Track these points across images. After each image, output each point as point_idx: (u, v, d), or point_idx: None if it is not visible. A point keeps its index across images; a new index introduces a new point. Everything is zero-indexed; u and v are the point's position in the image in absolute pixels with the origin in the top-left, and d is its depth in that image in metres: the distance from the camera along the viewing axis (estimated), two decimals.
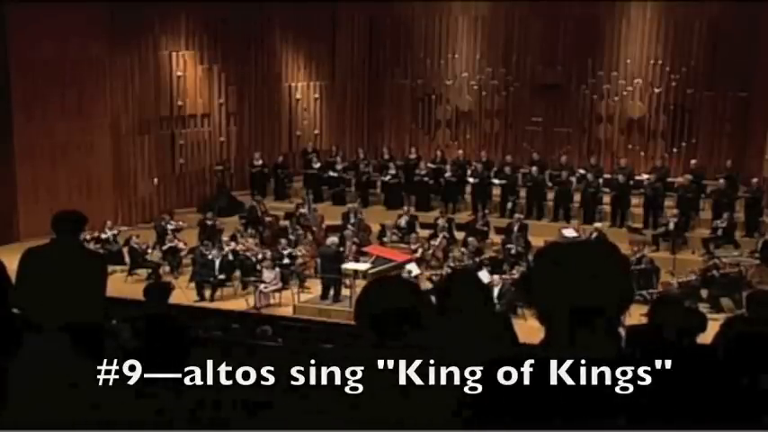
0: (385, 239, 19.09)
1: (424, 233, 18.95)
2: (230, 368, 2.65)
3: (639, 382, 1.97)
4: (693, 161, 21.14)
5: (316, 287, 16.62)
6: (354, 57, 24.68)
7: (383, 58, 24.63)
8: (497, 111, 23.77)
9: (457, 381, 2.27)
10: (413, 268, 16.36)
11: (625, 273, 2.15)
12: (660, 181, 19.96)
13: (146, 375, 2.50)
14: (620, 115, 22.82)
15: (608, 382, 1.96)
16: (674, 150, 22.47)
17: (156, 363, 2.77)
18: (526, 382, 1.99)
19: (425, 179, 21.31)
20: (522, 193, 20.86)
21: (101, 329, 2.47)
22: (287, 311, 15.71)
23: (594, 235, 17.71)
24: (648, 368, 2.01)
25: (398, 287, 2.72)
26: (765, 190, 19.66)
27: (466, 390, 2.11)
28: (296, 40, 23.89)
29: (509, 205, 20.45)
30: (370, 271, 15.71)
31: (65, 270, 2.39)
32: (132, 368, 2.49)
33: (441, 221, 19.05)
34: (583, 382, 1.96)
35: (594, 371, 1.97)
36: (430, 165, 21.74)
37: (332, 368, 2.53)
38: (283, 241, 17.75)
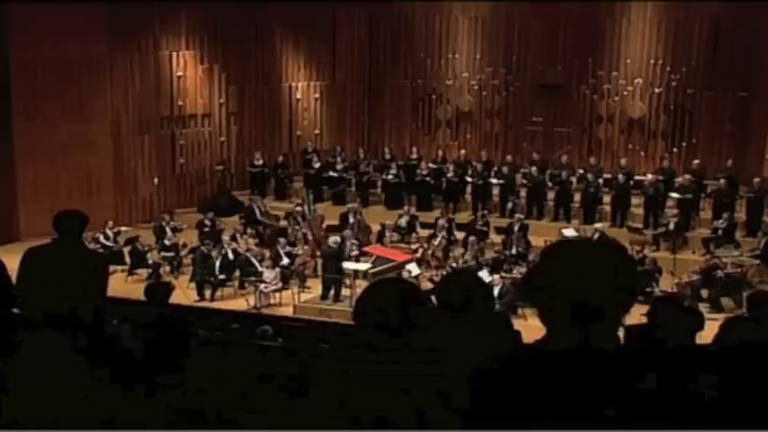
0: (385, 239, 19.09)
1: (425, 233, 18.95)
2: (230, 368, 2.65)
3: (639, 381, 1.97)
4: (696, 161, 21.13)
5: (316, 287, 16.62)
6: (354, 57, 24.68)
7: (383, 58, 24.63)
8: (497, 111, 23.78)
9: (457, 381, 2.27)
10: (413, 268, 16.36)
11: (630, 272, 2.15)
12: (666, 182, 19.97)
13: (146, 375, 2.50)
14: (621, 115, 22.83)
15: (608, 380, 1.96)
16: (675, 150, 22.47)
17: (157, 362, 2.78)
18: (526, 380, 1.99)
19: (426, 179, 21.31)
20: (523, 193, 20.86)
21: (101, 330, 2.47)
22: (287, 311, 15.71)
23: (597, 235, 17.69)
24: (647, 367, 2.01)
25: (398, 288, 2.72)
26: (766, 189, 19.65)
27: (466, 389, 2.11)
28: (296, 40, 23.90)
29: (509, 205, 20.45)
30: (370, 271, 15.70)
31: (66, 270, 2.39)
32: (132, 368, 2.49)
33: (441, 221, 19.05)
34: (582, 380, 1.96)
35: (594, 369, 1.97)
36: (431, 165, 21.75)
37: (331, 368, 2.53)
38: (283, 241, 17.75)
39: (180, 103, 21.82)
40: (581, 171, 20.92)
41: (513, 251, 17.65)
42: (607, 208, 20.21)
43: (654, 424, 1.93)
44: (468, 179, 21.02)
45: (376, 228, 19.54)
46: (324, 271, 16.64)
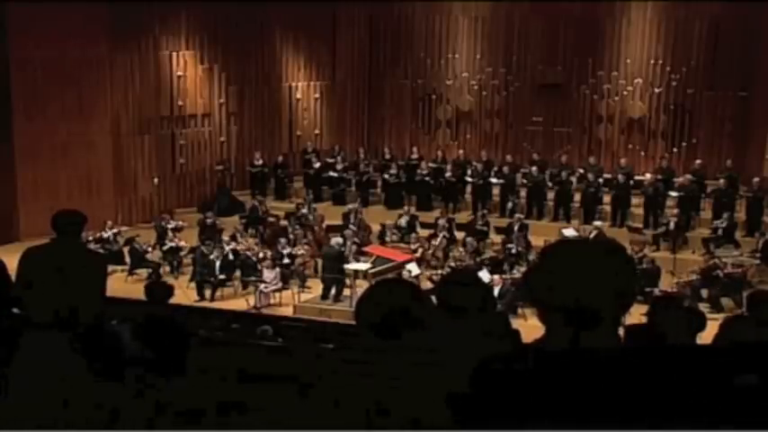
0: (385, 239, 19.09)
1: (425, 233, 18.95)
2: (230, 368, 2.65)
3: (639, 381, 1.96)
4: (698, 161, 21.12)
5: (316, 287, 16.62)
6: (354, 57, 24.68)
7: (383, 58, 24.64)
8: (497, 111, 23.79)
9: (456, 381, 2.27)
10: (413, 268, 16.36)
11: (630, 272, 2.15)
12: (665, 181, 19.97)
13: (146, 375, 2.50)
14: (621, 115, 22.84)
15: (607, 380, 1.96)
16: (675, 150, 22.47)
17: (157, 362, 2.78)
18: (525, 380, 1.99)
19: (426, 179, 21.32)
20: (523, 193, 20.87)
21: (101, 330, 2.47)
22: (287, 311, 15.71)
23: (594, 233, 17.69)
24: (647, 367, 2.00)
25: (399, 288, 2.72)
26: (766, 189, 19.65)
27: (465, 389, 2.11)
28: (296, 40, 23.90)
29: (509, 205, 20.45)
30: (370, 271, 15.70)
31: (65, 269, 2.39)
32: (132, 368, 2.49)
33: (441, 221, 19.05)
34: (582, 380, 1.95)
35: (593, 369, 1.97)
36: (431, 164, 21.76)
37: (331, 368, 2.53)
38: (283, 241, 17.75)
39: (180, 103, 21.82)
40: (581, 171, 20.92)
41: (513, 251, 17.65)
42: (607, 208, 20.21)
43: (654, 424, 1.93)
44: (468, 179, 21.03)
45: (376, 228, 19.54)
46: (324, 271, 16.64)
